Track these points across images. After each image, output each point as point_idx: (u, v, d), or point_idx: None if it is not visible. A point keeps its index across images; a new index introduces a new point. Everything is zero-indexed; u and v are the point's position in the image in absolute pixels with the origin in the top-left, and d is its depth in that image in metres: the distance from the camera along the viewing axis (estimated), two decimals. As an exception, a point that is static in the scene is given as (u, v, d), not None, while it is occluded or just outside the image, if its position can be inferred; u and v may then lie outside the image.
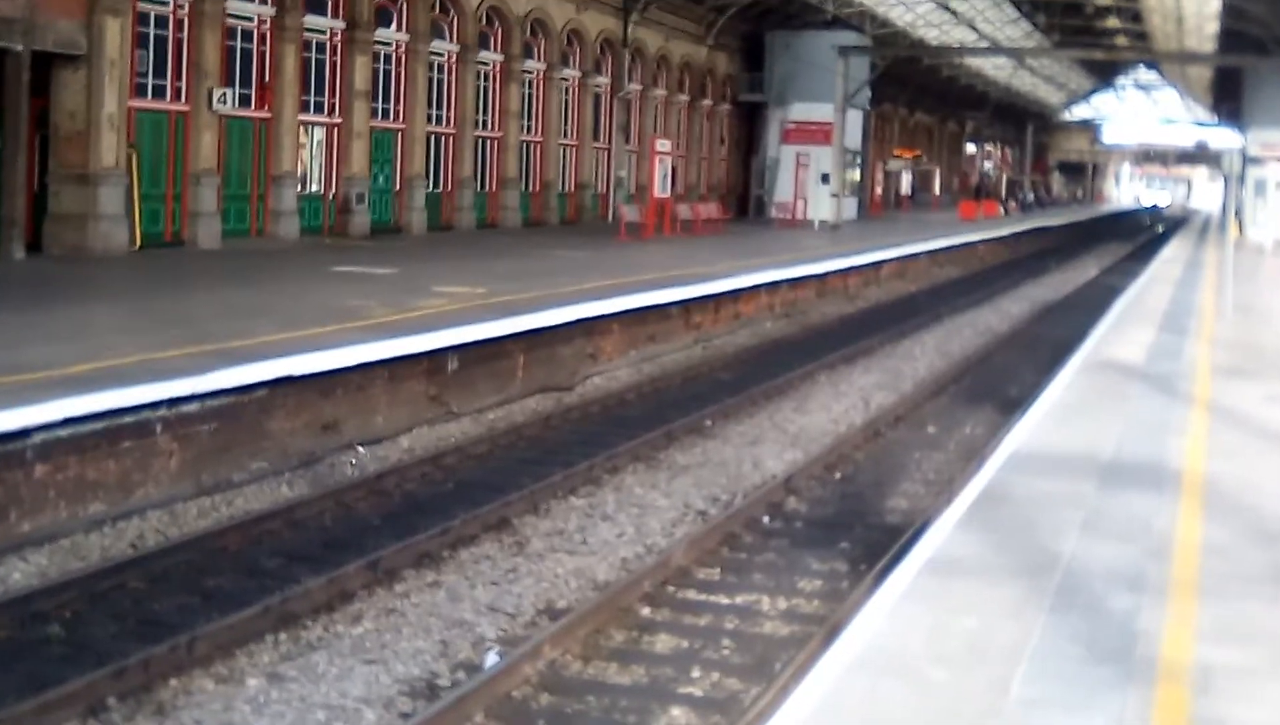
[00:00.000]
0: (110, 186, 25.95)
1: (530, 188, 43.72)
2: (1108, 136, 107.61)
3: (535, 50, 43.15)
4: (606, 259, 30.17)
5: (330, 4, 33.32)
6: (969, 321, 30.24)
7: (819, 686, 6.52)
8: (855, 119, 58.61)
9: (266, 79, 31.07)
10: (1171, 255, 45.19)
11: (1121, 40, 73.57)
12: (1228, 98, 71.57)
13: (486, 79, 40.57)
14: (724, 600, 10.60)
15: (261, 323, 16.90)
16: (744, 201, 59.47)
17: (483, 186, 40.84)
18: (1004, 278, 41.90)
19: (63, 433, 11.71)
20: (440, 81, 38.35)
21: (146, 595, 10.28)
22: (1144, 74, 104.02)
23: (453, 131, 38.94)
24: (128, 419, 12.39)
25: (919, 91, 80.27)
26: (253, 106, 30.79)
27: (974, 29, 69.05)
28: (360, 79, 33.89)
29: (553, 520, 12.74)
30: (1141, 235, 72.67)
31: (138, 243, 26.94)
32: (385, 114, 35.87)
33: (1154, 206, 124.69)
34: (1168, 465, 11.57)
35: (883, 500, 14.01)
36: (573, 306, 20.24)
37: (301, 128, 32.57)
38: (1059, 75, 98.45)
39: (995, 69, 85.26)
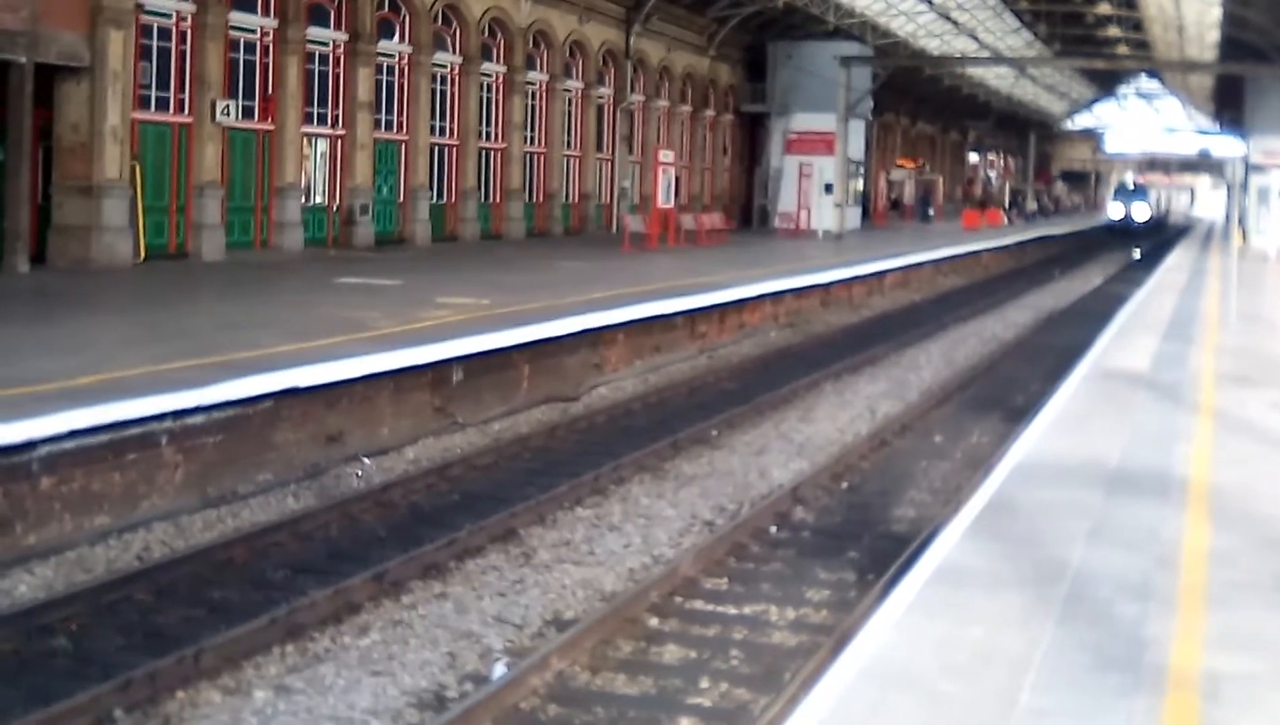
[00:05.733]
0: (114, 199, 25.97)
1: (534, 198, 43.76)
2: (1110, 145, 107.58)
3: (538, 62, 43.19)
4: (611, 269, 30.17)
5: (333, 16, 33.36)
6: (974, 330, 30.22)
7: (827, 697, 6.50)
8: (857, 129, 58.64)
9: (270, 91, 31.10)
10: (1175, 263, 45.16)
11: (1123, 49, 73.63)
12: (1230, 106, 71.61)
13: (489, 90, 40.60)
14: (732, 610, 10.58)
15: (266, 334, 16.90)
16: (747, 211, 59.50)
17: (486, 197, 40.87)
18: (1008, 287, 41.88)
19: (68, 445, 11.71)
20: (443, 93, 38.39)
21: (153, 608, 10.27)
22: (1146, 83, 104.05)
23: (456, 143, 38.96)
24: (133, 431, 12.39)
25: (921, 101, 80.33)
26: (256, 118, 30.82)
27: (975, 39, 69.19)
28: (363, 90, 33.93)
29: (559, 531, 12.73)
30: (1143, 243, 71.60)
31: (142, 255, 26.96)
32: (389, 125, 35.90)
33: (1126, 220, 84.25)
34: (1174, 474, 11.55)
35: (890, 510, 13.99)
36: (577, 317, 20.24)
37: (305, 139, 32.59)
38: (1061, 84, 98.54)
39: (997, 78, 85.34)
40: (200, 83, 28.59)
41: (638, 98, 49.47)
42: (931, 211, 74.93)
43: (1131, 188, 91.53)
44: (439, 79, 38.00)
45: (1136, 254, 62.38)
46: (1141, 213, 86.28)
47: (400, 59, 36.18)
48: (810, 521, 13.42)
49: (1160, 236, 78.64)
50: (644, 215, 43.96)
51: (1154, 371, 18.01)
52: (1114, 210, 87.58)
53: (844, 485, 14.97)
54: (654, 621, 10.24)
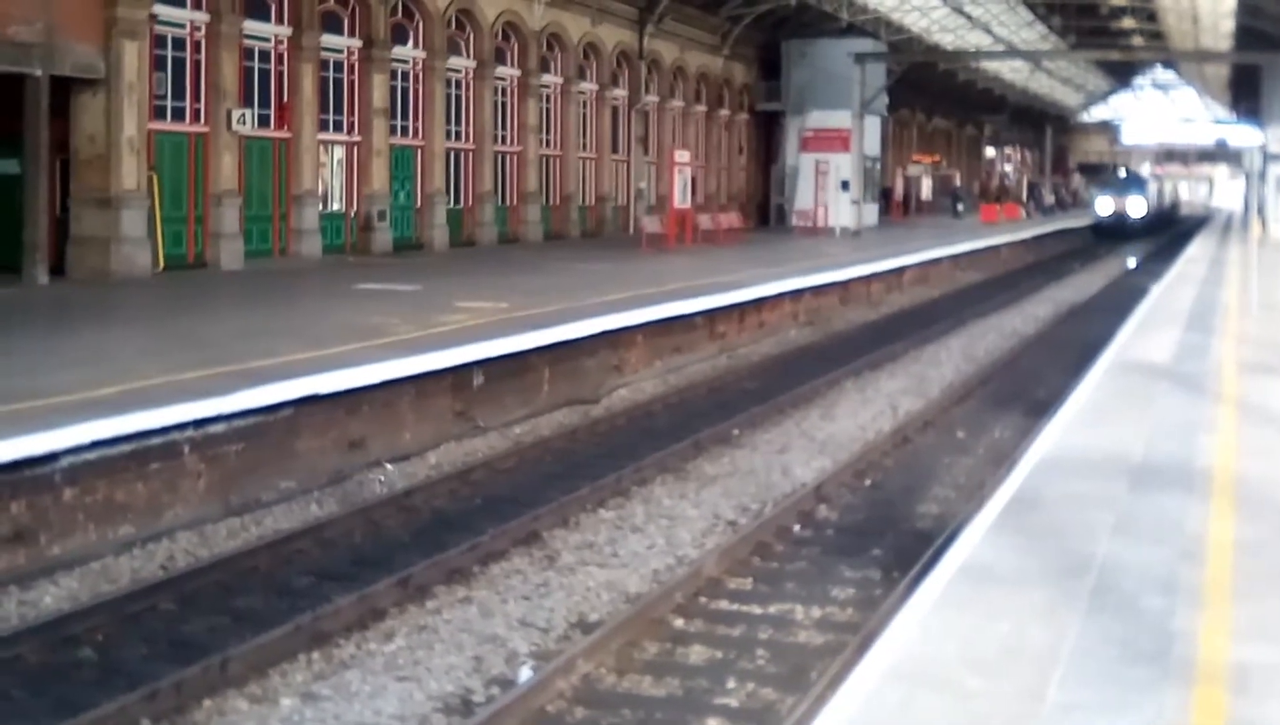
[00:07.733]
0: (132, 209, 26.05)
1: (551, 201, 43.77)
2: (1127, 137, 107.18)
3: (552, 64, 43.21)
4: (629, 271, 30.15)
5: (347, 23, 33.43)
6: (994, 325, 30.13)
7: (854, 696, 6.47)
8: (873, 125, 58.52)
9: (285, 99, 31.16)
10: (1195, 254, 44.97)
11: (1138, 40, 73.40)
12: (1246, 95, 71.30)
13: (504, 94, 40.63)
14: (757, 610, 10.56)
15: (286, 342, 16.91)
16: (764, 210, 59.44)
17: (503, 201, 40.90)
18: (1027, 280, 41.75)
19: (90, 456, 11.73)
20: (458, 98, 38.44)
21: (178, 617, 10.29)
22: (1161, 73, 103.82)
23: (472, 147, 39.00)
24: (155, 441, 12.41)
25: (936, 96, 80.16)
26: (272, 126, 30.87)
27: (989, 33, 69.03)
28: (378, 97, 33.97)
29: (582, 533, 12.72)
30: (1162, 236, 70.07)
31: (160, 265, 27.04)
32: (404, 131, 35.96)
33: (1118, 218, 66.02)
34: (1198, 465, 11.48)
35: (913, 506, 13.96)
36: (596, 319, 20.22)
37: (321, 147, 32.64)
38: (1076, 77, 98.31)
39: (1012, 72, 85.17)
40: (215, 92, 28.65)
41: (652, 98, 49.47)
42: (961, 206, 73.38)
43: (1124, 176, 73.23)
44: (453, 84, 38.04)
45: (1131, 262, 50.64)
46: (1138, 208, 67.15)
47: (415, 64, 36.22)
48: (834, 519, 13.39)
49: (1167, 235, 68.66)
50: (661, 216, 43.96)
51: (1176, 362, 17.92)
52: (1101, 206, 67.58)
53: (867, 482, 14.94)
54: (679, 622, 10.22)
